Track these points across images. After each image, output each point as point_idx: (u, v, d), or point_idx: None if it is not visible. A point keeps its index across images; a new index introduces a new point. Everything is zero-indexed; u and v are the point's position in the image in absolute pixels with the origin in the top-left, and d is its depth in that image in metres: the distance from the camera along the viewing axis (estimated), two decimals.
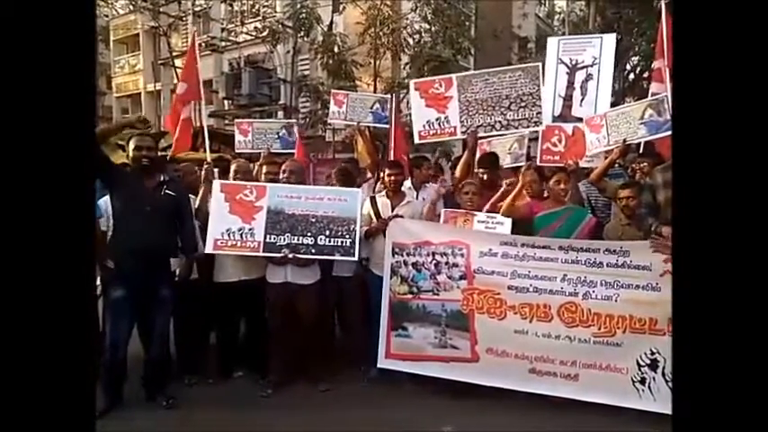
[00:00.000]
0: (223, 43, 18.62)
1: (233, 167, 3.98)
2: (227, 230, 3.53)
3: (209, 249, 3.54)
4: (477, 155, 6.00)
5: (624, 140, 3.91)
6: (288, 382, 3.68)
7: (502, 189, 3.75)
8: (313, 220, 3.56)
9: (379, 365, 3.66)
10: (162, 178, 3.41)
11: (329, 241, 3.53)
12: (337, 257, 3.56)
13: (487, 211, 3.71)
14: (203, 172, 3.89)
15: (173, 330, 3.68)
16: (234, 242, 3.52)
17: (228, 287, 3.71)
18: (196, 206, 3.70)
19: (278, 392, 3.60)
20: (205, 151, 5.14)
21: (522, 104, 4.26)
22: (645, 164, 4.39)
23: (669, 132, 3.73)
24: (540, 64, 4.42)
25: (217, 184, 3.67)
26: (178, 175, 4.03)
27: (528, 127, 4.32)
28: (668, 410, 2.98)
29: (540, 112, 4.25)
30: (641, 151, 4.76)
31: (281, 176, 3.90)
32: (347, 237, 3.53)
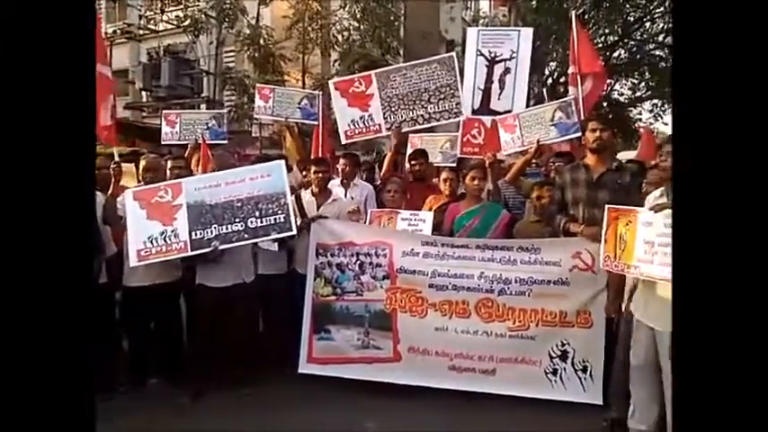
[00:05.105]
0: (141, 31, 17.55)
1: (141, 165, 3.66)
2: (149, 237, 3.27)
3: (133, 262, 3.26)
4: (409, 150, 6.07)
5: (538, 141, 4.05)
6: (209, 388, 3.53)
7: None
8: (239, 204, 3.35)
9: (300, 371, 3.61)
10: None
11: (262, 221, 3.32)
12: (274, 236, 3.37)
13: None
14: (111, 170, 3.61)
15: None
16: (158, 248, 3.27)
17: (140, 291, 3.51)
18: (102, 205, 3.45)
19: (198, 398, 3.45)
20: (118, 145, 4.80)
21: (442, 96, 4.24)
22: (559, 163, 4.62)
23: (578, 134, 3.94)
24: (454, 54, 4.40)
25: (129, 192, 3.42)
26: None
27: (449, 119, 4.31)
28: (578, 399, 3.21)
29: (458, 103, 4.25)
30: (557, 151, 5.01)
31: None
32: (280, 212, 3.33)
